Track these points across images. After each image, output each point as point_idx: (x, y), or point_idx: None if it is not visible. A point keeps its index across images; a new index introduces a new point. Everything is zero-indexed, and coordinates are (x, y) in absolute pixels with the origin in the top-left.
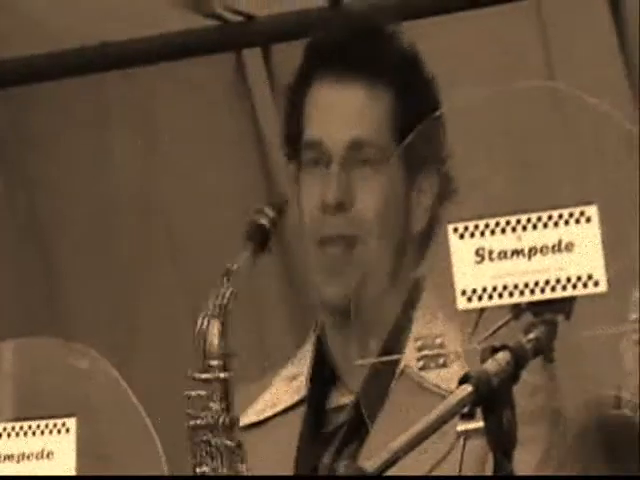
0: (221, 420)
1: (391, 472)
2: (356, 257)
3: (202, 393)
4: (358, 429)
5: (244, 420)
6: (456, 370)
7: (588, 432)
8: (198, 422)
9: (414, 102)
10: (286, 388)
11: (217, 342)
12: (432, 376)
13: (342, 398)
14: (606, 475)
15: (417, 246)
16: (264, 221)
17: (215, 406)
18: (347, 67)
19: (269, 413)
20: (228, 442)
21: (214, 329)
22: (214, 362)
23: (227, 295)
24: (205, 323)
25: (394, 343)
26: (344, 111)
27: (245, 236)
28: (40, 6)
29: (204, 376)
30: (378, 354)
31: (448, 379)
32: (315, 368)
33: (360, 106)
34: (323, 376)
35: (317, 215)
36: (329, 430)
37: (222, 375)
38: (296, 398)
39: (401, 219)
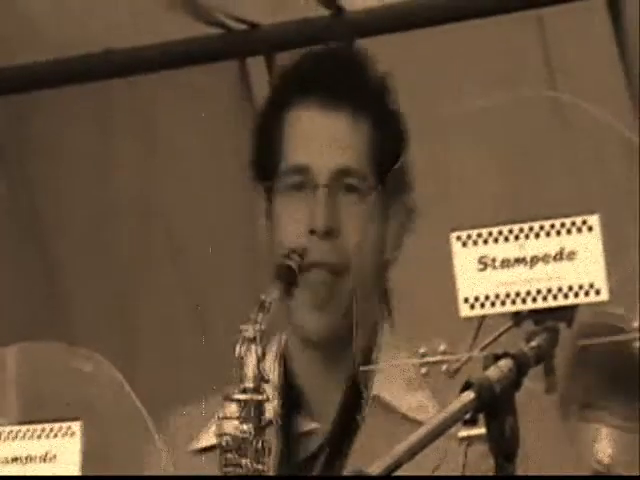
0: (254, 444)
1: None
2: (341, 287)
3: (235, 413)
4: (334, 461)
5: (201, 443)
6: (420, 399)
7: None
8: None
9: (389, 133)
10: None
11: (254, 366)
12: (403, 404)
13: (309, 424)
14: (605, 475)
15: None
16: (292, 263)
17: (247, 428)
18: (330, 95)
19: None
20: (259, 466)
21: (252, 354)
22: (249, 385)
23: (263, 324)
24: (244, 348)
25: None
26: (330, 139)
27: (275, 276)
28: (44, 14)
29: (241, 397)
30: (349, 380)
31: (415, 408)
32: (282, 392)
33: (345, 134)
34: (290, 401)
35: (303, 240)
36: (300, 458)
37: (257, 397)
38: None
39: (380, 248)
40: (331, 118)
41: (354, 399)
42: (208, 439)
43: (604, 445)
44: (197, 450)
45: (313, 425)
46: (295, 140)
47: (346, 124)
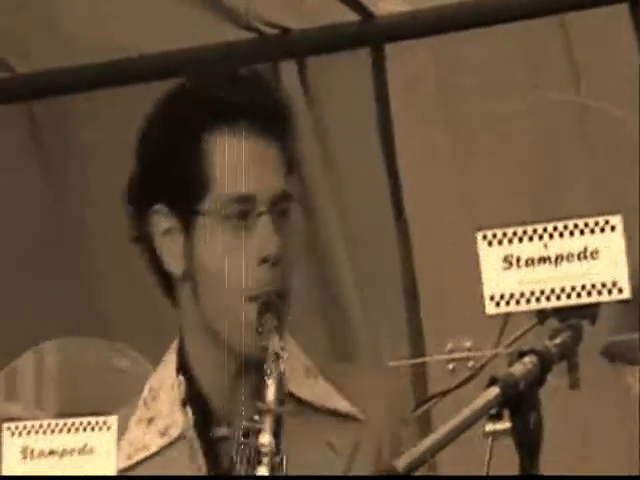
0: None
1: None
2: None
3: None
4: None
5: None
6: (323, 386)
7: None
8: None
9: (294, 152)
10: (146, 432)
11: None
12: (314, 393)
13: (220, 429)
14: (605, 475)
15: None
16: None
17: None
18: (256, 119)
19: (139, 457)
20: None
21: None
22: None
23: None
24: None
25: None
26: (264, 164)
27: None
28: (77, 19)
29: (264, 406)
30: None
31: (323, 395)
32: (190, 403)
33: (275, 159)
34: (199, 410)
35: (253, 271)
36: (220, 460)
37: (279, 409)
38: (166, 441)
39: None
40: (260, 144)
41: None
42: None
43: None
44: None
45: (224, 431)
46: (227, 168)
47: (273, 148)
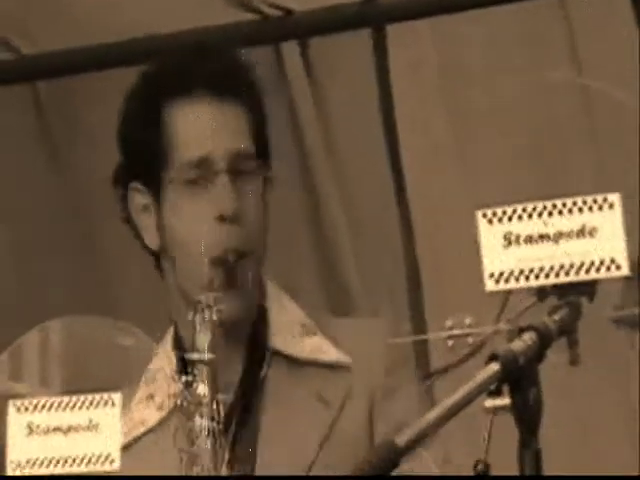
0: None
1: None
2: (246, 270)
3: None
4: (244, 425)
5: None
6: (317, 341)
7: None
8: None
9: (261, 116)
10: (147, 409)
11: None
12: (303, 350)
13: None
14: (604, 475)
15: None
16: (231, 259)
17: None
18: (213, 87)
19: (137, 433)
20: (215, 425)
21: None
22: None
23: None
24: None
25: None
26: (221, 126)
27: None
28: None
29: (195, 357)
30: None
31: (316, 350)
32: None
33: (233, 120)
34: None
35: (211, 230)
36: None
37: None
38: (162, 414)
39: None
40: (217, 108)
41: (255, 356)
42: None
43: None
44: None
45: (221, 397)
46: (186, 134)
47: (231, 111)
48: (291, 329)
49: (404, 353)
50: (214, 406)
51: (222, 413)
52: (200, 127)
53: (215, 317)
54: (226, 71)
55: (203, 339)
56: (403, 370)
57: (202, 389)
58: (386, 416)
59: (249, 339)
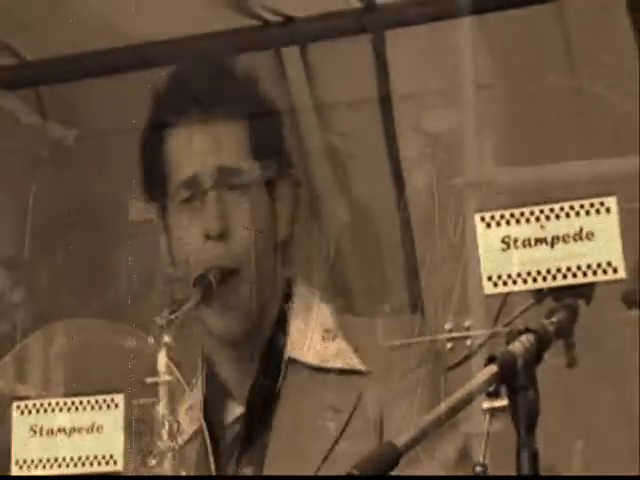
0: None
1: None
2: (238, 285)
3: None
4: (251, 434)
5: None
6: (338, 346)
7: None
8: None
9: (266, 122)
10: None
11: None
12: (316, 357)
13: (237, 410)
14: (604, 475)
15: (283, 252)
16: (211, 277)
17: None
18: (205, 108)
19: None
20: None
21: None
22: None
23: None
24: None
25: (277, 342)
26: (209, 145)
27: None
28: (86, 6)
29: (155, 379)
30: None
31: (335, 355)
32: (208, 391)
33: (222, 137)
34: (216, 396)
35: (199, 247)
36: (228, 443)
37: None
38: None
39: (270, 233)
40: (208, 127)
41: (269, 365)
42: None
43: None
44: None
45: (239, 411)
46: (178, 157)
47: (222, 128)
48: (311, 336)
49: (420, 354)
50: (173, 426)
51: (181, 433)
52: (191, 148)
53: (168, 339)
54: (217, 90)
55: (160, 361)
56: (418, 371)
57: (162, 409)
58: (396, 419)
59: (266, 349)
